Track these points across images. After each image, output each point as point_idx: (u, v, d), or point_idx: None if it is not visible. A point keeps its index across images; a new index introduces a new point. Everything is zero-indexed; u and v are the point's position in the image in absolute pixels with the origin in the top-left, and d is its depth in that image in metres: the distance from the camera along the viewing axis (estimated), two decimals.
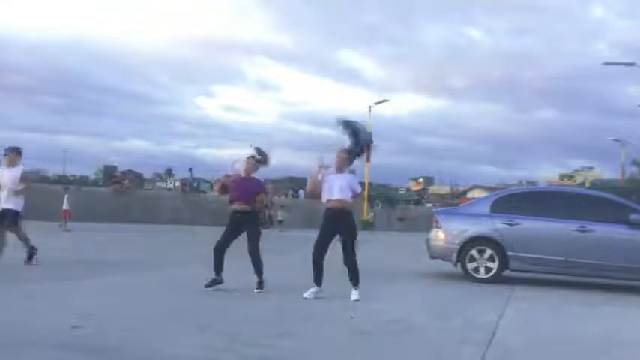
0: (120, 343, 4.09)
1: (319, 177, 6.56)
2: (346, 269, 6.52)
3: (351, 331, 4.86)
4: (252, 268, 6.78)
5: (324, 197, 6.53)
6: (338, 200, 6.44)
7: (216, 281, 6.71)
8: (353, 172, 6.77)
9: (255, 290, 6.67)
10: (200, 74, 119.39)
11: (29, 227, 9.19)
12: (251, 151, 6.97)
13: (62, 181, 42.58)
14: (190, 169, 29.13)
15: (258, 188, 6.93)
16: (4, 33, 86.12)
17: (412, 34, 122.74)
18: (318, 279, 6.49)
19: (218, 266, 6.76)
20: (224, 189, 6.99)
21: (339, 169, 6.58)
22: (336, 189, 6.44)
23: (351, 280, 6.51)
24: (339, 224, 6.50)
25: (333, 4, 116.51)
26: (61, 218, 19.75)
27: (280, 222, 28.03)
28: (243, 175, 6.87)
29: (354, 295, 6.43)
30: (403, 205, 39.19)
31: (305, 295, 6.37)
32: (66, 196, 20.42)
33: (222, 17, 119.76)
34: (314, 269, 6.49)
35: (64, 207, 19.99)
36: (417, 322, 5.36)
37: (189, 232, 21.36)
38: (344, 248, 6.51)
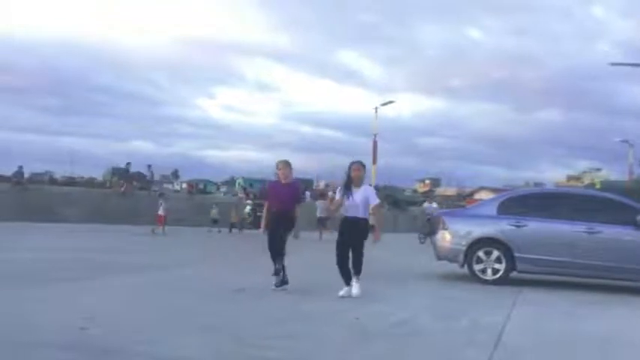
0: (124, 343, 4.08)
1: (338, 199, 6.91)
2: (350, 262, 6.72)
3: (356, 332, 4.83)
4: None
5: (349, 212, 6.75)
6: (363, 218, 6.76)
7: (283, 282, 6.85)
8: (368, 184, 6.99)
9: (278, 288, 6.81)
10: (200, 75, 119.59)
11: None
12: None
13: (70, 182, 42.69)
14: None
15: (296, 191, 7.21)
16: (5, 33, 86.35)
17: (413, 34, 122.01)
18: (347, 279, 6.72)
19: (275, 261, 6.90)
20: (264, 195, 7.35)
21: (359, 183, 6.79)
22: (361, 207, 6.73)
23: (352, 267, 6.69)
24: (357, 233, 6.74)
25: (333, 4, 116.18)
26: (154, 222, 20.53)
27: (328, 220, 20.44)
28: (282, 181, 7.16)
29: (355, 288, 6.61)
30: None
31: (340, 293, 6.56)
32: (161, 202, 21.26)
33: (221, 18, 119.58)
34: (341, 273, 6.71)
35: (160, 212, 20.79)
36: (423, 324, 5.32)
37: (194, 233, 21.41)
38: (353, 249, 6.72)
